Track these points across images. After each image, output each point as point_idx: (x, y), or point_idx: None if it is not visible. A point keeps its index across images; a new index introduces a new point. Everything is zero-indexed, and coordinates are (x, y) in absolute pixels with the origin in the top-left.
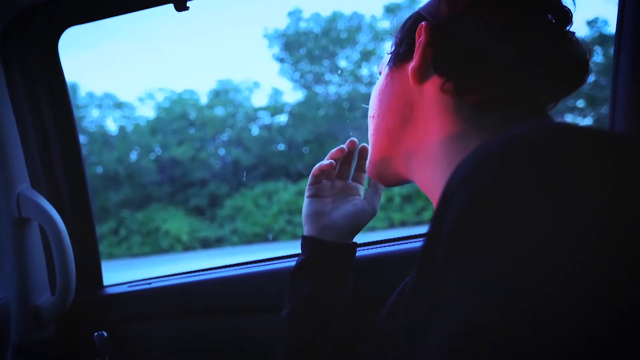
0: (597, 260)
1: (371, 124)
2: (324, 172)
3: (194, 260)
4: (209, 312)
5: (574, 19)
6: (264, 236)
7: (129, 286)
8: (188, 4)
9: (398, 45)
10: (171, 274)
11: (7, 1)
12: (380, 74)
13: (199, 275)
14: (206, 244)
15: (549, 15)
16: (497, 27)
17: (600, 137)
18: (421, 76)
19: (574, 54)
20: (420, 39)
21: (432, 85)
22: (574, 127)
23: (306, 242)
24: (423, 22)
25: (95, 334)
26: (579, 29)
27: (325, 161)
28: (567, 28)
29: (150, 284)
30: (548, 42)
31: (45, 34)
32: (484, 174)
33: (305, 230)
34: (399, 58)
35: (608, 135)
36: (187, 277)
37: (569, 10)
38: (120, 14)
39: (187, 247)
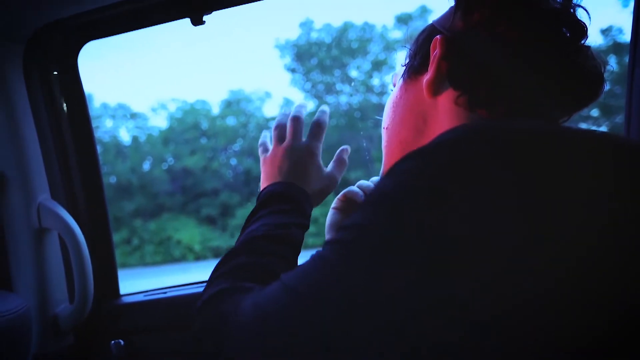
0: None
1: (385, 135)
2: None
3: (206, 269)
4: None
5: (589, 30)
6: None
7: (145, 295)
8: (204, 18)
9: (412, 57)
10: (187, 283)
11: (29, 17)
12: (394, 85)
13: None
14: (218, 253)
15: (564, 29)
16: (511, 41)
17: (552, 136)
18: (435, 89)
19: (588, 68)
20: (435, 52)
21: (446, 98)
22: (533, 126)
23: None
24: (438, 36)
25: (112, 342)
26: (593, 37)
27: (361, 194)
28: (582, 42)
29: (165, 293)
30: (563, 56)
31: (66, 48)
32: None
33: (328, 238)
34: (413, 70)
35: (571, 133)
36: (202, 286)
37: (584, 24)
38: (138, 29)
39: (199, 257)
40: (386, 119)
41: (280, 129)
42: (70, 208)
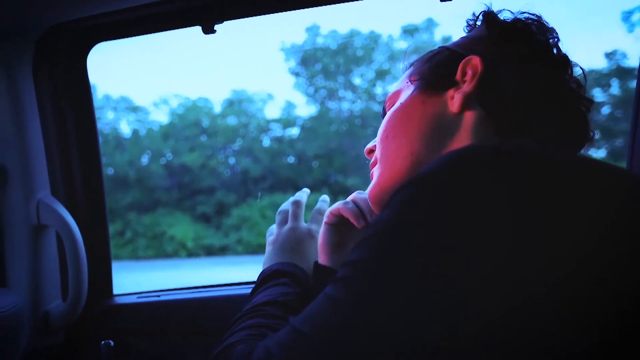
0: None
1: (385, 144)
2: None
3: (197, 267)
4: (217, 330)
5: (593, 54)
6: None
7: (138, 297)
8: (215, 27)
9: (429, 74)
10: (181, 287)
11: (41, 16)
12: (389, 97)
13: (209, 291)
14: (210, 251)
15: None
16: (530, 77)
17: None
18: (466, 104)
19: (588, 120)
20: (475, 70)
21: (471, 115)
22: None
23: (324, 273)
24: (476, 56)
25: (102, 342)
26: (598, 61)
27: (353, 208)
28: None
29: (159, 296)
30: (570, 101)
31: (75, 49)
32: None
33: (321, 259)
34: (432, 86)
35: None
36: (196, 292)
37: (583, 84)
38: (149, 33)
39: (191, 254)
40: (390, 129)
41: (284, 213)
42: (69, 206)
